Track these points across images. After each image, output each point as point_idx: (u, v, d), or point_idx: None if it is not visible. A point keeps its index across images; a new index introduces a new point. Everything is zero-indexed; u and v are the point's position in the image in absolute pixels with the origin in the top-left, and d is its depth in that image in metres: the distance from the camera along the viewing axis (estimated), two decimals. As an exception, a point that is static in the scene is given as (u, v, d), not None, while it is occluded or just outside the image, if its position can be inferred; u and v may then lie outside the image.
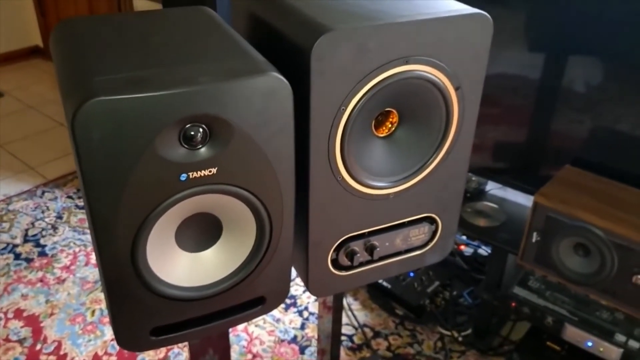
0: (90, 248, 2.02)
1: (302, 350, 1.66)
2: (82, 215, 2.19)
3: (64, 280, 1.88)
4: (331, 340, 1.31)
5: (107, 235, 0.68)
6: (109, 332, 1.69)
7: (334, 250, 0.89)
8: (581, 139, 1.50)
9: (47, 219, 2.16)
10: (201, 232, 0.77)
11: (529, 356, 1.46)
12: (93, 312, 1.76)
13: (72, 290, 1.84)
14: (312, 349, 1.67)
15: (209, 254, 0.79)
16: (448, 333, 1.70)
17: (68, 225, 2.14)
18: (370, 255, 0.91)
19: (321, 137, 0.78)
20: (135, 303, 0.75)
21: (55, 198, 2.28)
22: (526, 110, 1.59)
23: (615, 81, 1.42)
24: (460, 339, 1.67)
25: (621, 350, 1.34)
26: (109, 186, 0.65)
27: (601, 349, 1.37)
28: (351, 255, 0.90)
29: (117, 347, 1.63)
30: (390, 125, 0.86)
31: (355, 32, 0.73)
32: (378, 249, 0.91)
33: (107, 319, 1.73)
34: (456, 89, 0.83)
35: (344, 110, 0.77)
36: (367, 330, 1.73)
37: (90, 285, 1.86)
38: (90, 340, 1.66)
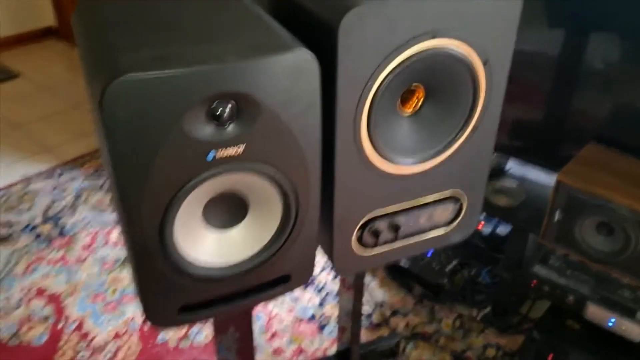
0: (109, 228, 2.03)
1: (321, 329, 1.67)
2: (100, 195, 2.20)
3: (84, 260, 1.90)
4: (352, 319, 1.31)
5: (135, 214, 0.68)
6: (129, 311, 1.71)
7: (359, 229, 0.89)
8: (604, 116, 1.47)
9: (66, 200, 2.18)
10: (228, 210, 0.77)
11: (549, 334, 1.46)
12: (114, 291, 1.78)
13: (92, 269, 1.86)
14: (331, 327, 1.68)
15: (235, 232, 0.79)
16: (466, 312, 1.70)
17: (87, 205, 2.15)
18: (394, 234, 0.91)
19: (347, 115, 0.77)
20: (163, 281, 0.75)
21: (73, 179, 2.29)
22: (548, 87, 1.56)
23: (637, 58, 1.39)
24: (479, 317, 1.67)
25: (643, 328, 1.33)
26: (137, 165, 0.65)
27: (623, 328, 1.36)
28: (375, 233, 0.90)
29: (138, 326, 1.66)
30: (416, 101, 0.84)
31: (382, 7, 0.71)
32: (402, 228, 0.91)
33: (128, 298, 1.76)
34: (484, 63, 0.82)
35: (371, 87, 0.76)
36: (385, 308, 1.74)
37: (110, 265, 1.88)
38: (111, 320, 1.68)
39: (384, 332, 1.65)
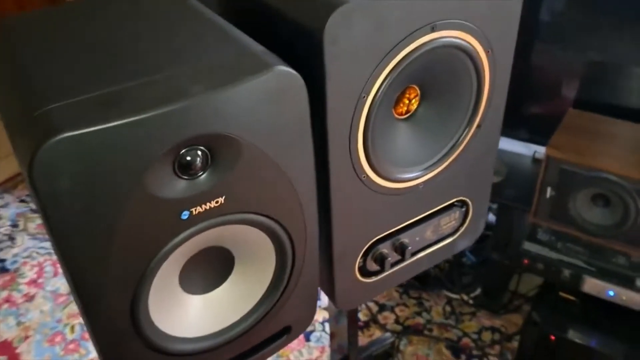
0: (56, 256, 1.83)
1: (306, 337, 1.56)
2: (40, 220, 1.99)
3: (33, 297, 1.70)
4: (348, 325, 1.20)
5: (98, 301, 0.53)
6: (93, 349, 1.54)
7: (361, 257, 0.76)
8: (579, 78, 1.39)
9: (1, 229, 1.95)
10: (209, 269, 0.63)
11: (547, 311, 1.40)
12: (72, 328, 1.61)
13: (44, 306, 1.67)
14: (317, 334, 1.57)
15: (221, 292, 0.65)
16: (456, 296, 1.63)
17: (26, 233, 1.94)
18: (401, 255, 0.79)
19: (341, 135, 0.63)
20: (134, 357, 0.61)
21: (7, 204, 2.06)
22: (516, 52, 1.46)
23: (604, 11, 1.31)
24: (470, 301, 1.60)
25: (644, 296, 1.28)
26: (92, 244, 0.50)
27: (624, 298, 1.31)
28: (381, 259, 0.77)
29: (107, 365, 1.49)
30: (407, 102, 0.72)
31: (373, 2, 0.57)
32: (410, 247, 0.79)
33: (88, 335, 1.58)
34: (487, 52, 0.69)
35: (366, 98, 0.62)
36: (371, 304, 1.64)
37: (64, 299, 1.70)
38: (74, 361, 1.52)
39: (374, 330, 1.56)
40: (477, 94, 0.72)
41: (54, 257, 1.83)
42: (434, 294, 1.66)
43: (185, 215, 0.53)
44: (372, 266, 0.78)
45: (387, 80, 0.63)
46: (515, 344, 1.51)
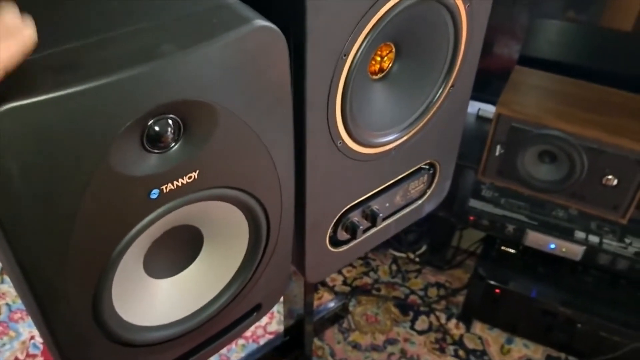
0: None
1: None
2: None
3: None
4: (304, 289, 1.17)
5: (56, 300, 0.46)
6: (25, 330, 1.43)
7: (332, 227, 0.72)
8: (524, 34, 1.39)
9: None
10: (176, 250, 0.57)
11: (491, 266, 1.43)
12: (-2, 309, 1.48)
13: (-37, 288, 1.53)
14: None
15: (189, 274, 0.59)
16: (402, 255, 1.64)
17: None
18: (372, 223, 0.76)
19: (319, 98, 0.58)
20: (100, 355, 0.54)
21: None
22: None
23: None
24: (416, 259, 1.61)
25: (583, 247, 1.33)
26: (49, 233, 0.42)
27: (564, 249, 1.36)
28: (352, 228, 0.74)
29: (42, 347, 1.39)
30: (380, 60, 0.67)
31: (357, -53, 0.51)
32: (380, 214, 0.75)
33: (19, 314, 1.46)
34: (467, 5, 0.65)
35: (346, 58, 0.57)
36: (318, 267, 1.61)
37: (-14, 278, 1.55)
38: (4, 344, 1.40)
39: (323, 292, 1.54)
40: (453, 51, 0.68)
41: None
42: (380, 253, 1.66)
43: (154, 194, 0.46)
44: (343, 235, 0.75)
45: (368, 39, 0.57)
46: (460, 298, 1.54)
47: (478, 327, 1.48)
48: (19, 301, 1.50)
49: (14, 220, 0.40)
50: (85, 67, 0.40)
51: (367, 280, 1.59)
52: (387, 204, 0.77)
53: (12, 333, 1.43)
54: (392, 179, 0.75)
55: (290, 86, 0.52)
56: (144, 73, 0.41)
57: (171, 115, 0.44)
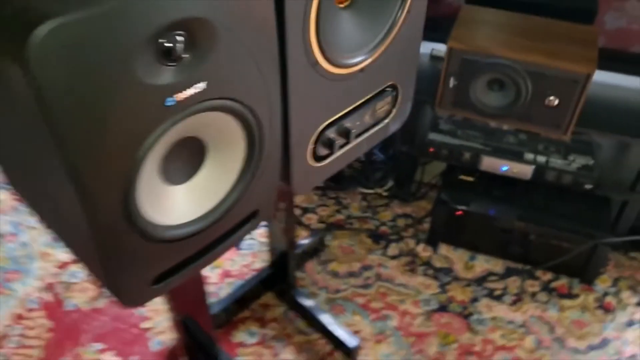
0: (-47, 203, 1.71)
1: (238, 246, 1.62)
2: None
3: (-63, 247, 1.60)
4: (286, 222, 1.28)
5: (93, 192, 0.55)
6: (20, 287, 1.50)
7: (312, 143, 0.83)
8: (468, -26, 1.50)
9: None
10: (184, 159, 0.66)
11: (452, 191, 1.57)
12: (-9, 271, 1.54)
13: (-47, 255, 1.58)
14: (247, 242, 1.64)
15: (198, 181, 0.68)
16: (370, 191, 1.76)
17: None
18: (346, 139, 0.86)
19: (296, 21, 0.67)
20: (134, 257, 0.64)
21: None
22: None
23: None
24: (384, 193, 1.73)
25: (532, 166, 1.48)
26: (87, 135, 0.51)
27: (515, 170, 1.50)
28: (330, 143, 0.84)
29: (38, 300, 1.47)
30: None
31: None
32: (353, 130, 0.86)
33: (12, 274, 1.53)
34: (415, -62, 0.75)
35: (317, -16, 0.66)
36: (294, 209, 1.72)
37: (-26, 244, 1.61)
38: (2, 304, 1.47)
39: (300, 231, 1.65)
40: (406, -20, 0.78)
41: (-49, 204, 1.71)
42: (350, 192, 1.78)
43: (170, 102, 0.56)
44: (322, 151, 0.85)
45: (334, -34, 0.67)
46: (425, 225, 1.68)
47: (444, 249, 1.63)
48: (10, 263, 1.56)
49: (60, 122, 0.49)
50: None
51: (340, 217, 1.71)
52: (358, 123, 0.88)
53: (7, 291, 1.50)
54: (361, 99, 0.86)
55: (273, 8, 0.61)
56: (156, -5, 0.50)
57: (180, 32, 0.53)
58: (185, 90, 0.56)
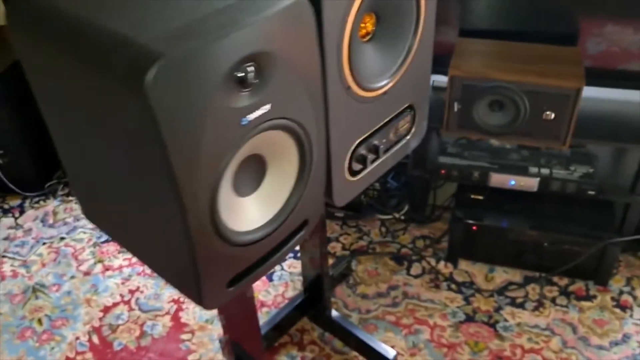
0: (-3, 261, 1.81)
1: (270, 278, 1.72)
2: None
3: (-14, 303, 1.69)
4: (319, 249, 1.38)
5: (190, 198, 0.67)
6: (68, 333, 1.58)
7: (348, 159, 0.95)
8: (461, 12, 1.66)
9: None
10: (250, 175, 0.78)
11: (466, 208, 1.68)
12: (40, 321, 1.63)
13: (2, 309, 1.67)
14: (278, 274, 1.73)
15: (262, 191, 0.80)
16: (388, 217, 1.87)
17: (-45, 247, 1.88)
18: (375, 154, 0.99)
19: (333, 50, 0.80)
20: (217, 261, 0.75)
21: None
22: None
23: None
24: (402, 217, 1.85)
25: (537, 179, 1.60)
26: (188, 150, 0.64)
27: (522, 184, 1.62)
28: (363, 159, 0.96)
29: (87, 344, 1.55)
30: (364, 25, 0.90)
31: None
32: (381, 147, 0.98)
33: (59, 322, 1.62)
34: (422, -21, 0.90)
35: (347, 19, 0.80)
36: (317, 240, 1.83)
37: (21, 297, 1.70)
38: (53, 348, 1.55)
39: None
40: (417, 12, 0.92)
41: (-4, 262, 1.81)
42: (368, 219, 1.89)
43: (244, 121, 0.68)
44: (356, 166, 0.97)
45: (360, 8, 0.81)
46: (443, 244, 1.78)
47: (463, 264, 1.73)
48: (57, 311, 1.65)
49: (170, 139, 0.61)
50: (197, 34, 0.61)
51: (363, 243, 1.82)
52: (384, 140, 1.01)
53: (57, 337, 1.58)
54: (386, 119, 0.99)
55: (317, 41, 0.74)
56: (239, 34, 0.63)
57: (252, 64, 0.66)
58: (255, 111, 0.69)
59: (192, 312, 1.62)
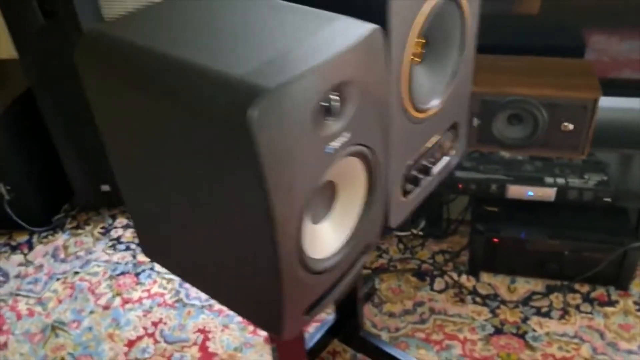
0: (11, 300, 1.76)
1: (293, 302, 1.71)
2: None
3: (5, 344, 1.64)
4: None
5: (283, 231, 0.66)
6: (94, 370, 1.55)
7: (402, 179, 0.96)
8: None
9: None
10: (322, 200, 0.78)
11: (485, 222, 1.70)
12: (63, 359, 1.59)
13: (22, 349, 1.62)
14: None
15: (334, 217, 0.80)
16: (405, 233, 1.88)
17: (-37, 288, 1.83)
18: (425, 174, 1.00)
19: (394, 74, 0.82)
20: (299, 289, 0.74)
21: None
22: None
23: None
24: (420, 233, 1.86)
25: (554, 189, 1.63)
26: (283, 182, 0.64)
27: (540, 194, 1.65)
28: (415, 179, 0.97)
29: (117, 379, 1.52)
30: (417, 50, 0.92)
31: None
32: (431, 167, 1.00)
33: (84, 358, 1.58)
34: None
35: (407, 45, 0.82)
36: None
37: (40, 336, 1.65)
38: (80, 386, 1.51)
39: (348, 280, 1.75)
40: (462, 34, 0.94)
41: (10, 302, 1.76)
42: (386, 237, 1.90)
43: (329, 149, 0.68)
44: (408, 187, 0.98)
45: (424, 27, 0.82)
46: (463, 258, 1.80)
47: (485, 277, 1.74)
48: (79, 348, 1.61)
49: (267, 170, 0.61)
50: (288, 67, 0.61)
51: (383, 261, 1.82)
52: (432, 159, 1.02)
53: (83, 376, 1.54)
54: (435, 138, 1.00)
55: (385, 65, 0.75)
56: (326, 63, 0.63)
57: (337, 93, 0.67)
58: (338, 139, 0.69)
59: (220, 341, 1.60)
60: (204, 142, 0.64)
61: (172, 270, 0.89)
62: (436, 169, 1.03)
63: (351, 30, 0.69)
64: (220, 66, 0.63)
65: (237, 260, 0.73)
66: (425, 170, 0.99)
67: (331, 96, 0.66)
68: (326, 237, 0.78)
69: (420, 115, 0.92)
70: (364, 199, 0.82)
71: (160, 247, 0.88)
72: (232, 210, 0.68)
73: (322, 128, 0.67)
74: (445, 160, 1.08)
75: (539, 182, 1.65)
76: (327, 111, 0.67)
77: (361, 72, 0.69)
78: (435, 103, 0.94)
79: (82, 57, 0.72)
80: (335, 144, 0.69)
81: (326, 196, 0.79)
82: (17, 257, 1.93)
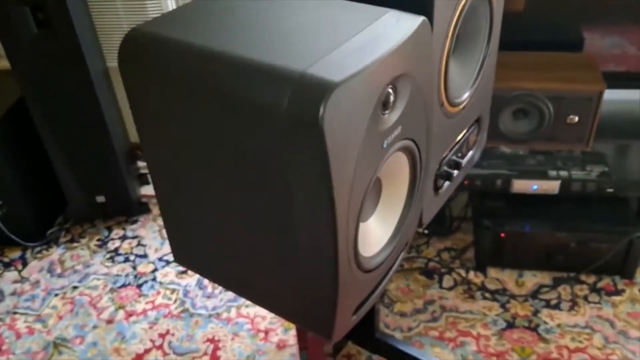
0: (8, 319, 1.69)
1: (302, 306, 1.68)
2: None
3: (5, 365, 1.57)
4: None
5: (343, 229, 0.65)
6: (103, 387, 1.50)
7: (434, 175, 0.95)
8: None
9: None
10: (369, 196, 0.77)
11: (489, 217, 1.71)
12: (69, 376, 1.53)
13: (24, 369, 1.56)
14: (310, 300, 1.70)
15: (378, 214, 0.79)
16: (410, 233, 1.87)
17: (-44, 308, 1.75)
18: (456, 169, 0.99)
19: (435, 67, 0.81)
20: (351, 289, 0.73)
21: None
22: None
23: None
24: (425, 231, 1.85)
25: (558, 181, 1.65)
26: (346, 178, 0.62)
27: (544, 187, 1.66)
28: (446, 174, 0.97)
29: (128, 394, 1.47)
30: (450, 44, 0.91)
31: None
32: (460, 161, 0.99)
33: (91, 376, 1.53)
34: (495, -5, 0.92)
35: (446, 36, 0.81)
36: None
37: (42, 355, 1.59)
38: (90, 405, 1.46)
39: (356, 281, 1.73)
40: (489, 29, 0.94)
41: (8, 321, 1.69)
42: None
43: (385, 144, 0.67)
44: (439, 182, 0.97)
45: (459, 21, 0.82)
46: (469, 254, 1.80)
47: (492, 272, 1.75)
48: (85, 365, 1.56)
49: (332, 164, 0.59)
50: (349, 61, 0.60)
51: (389, 261, 1.81)
52: (459, 154, 1.01)
53: (92, 393, 1.49)
54: (464, 132, 1.00)
55: (431, 56, 0.74)
56: (386, 56, 0.62)
57: (391, 86, 0.65)
58: (393, 133, 0.68)
59: (231, 350, 1.57)
60: (264, 140, 0.62)
61: (213, 278, 0.86)
62: (465, 162, 1.02)
63: (401, 23, 0.68)
64: (280, 61, 0.60)
65: (291, 264, 0.71)
66: (456, 165, 0.98)
67: (389, 89, 0.65)
68: (373, 235, 0.77)
69: (453, 110, 0.91)
70: (407, 194, 0.81)
71: (200, 255, 0.85)
72: (291, 210, 0.65)
73: (380, 122, 0.65)
74: (470, 154, 1.08)
75: (543, 175, 1.67)
76: (384, 105, 0.65)
77: (413, 65, 0.68)
78: (465, 97, 0.93)
79: (128, 58, 0.69)
80: (390, 138, 0.68)
81: (373, 193, 0.77)
82: (11, 274, 1.86)
